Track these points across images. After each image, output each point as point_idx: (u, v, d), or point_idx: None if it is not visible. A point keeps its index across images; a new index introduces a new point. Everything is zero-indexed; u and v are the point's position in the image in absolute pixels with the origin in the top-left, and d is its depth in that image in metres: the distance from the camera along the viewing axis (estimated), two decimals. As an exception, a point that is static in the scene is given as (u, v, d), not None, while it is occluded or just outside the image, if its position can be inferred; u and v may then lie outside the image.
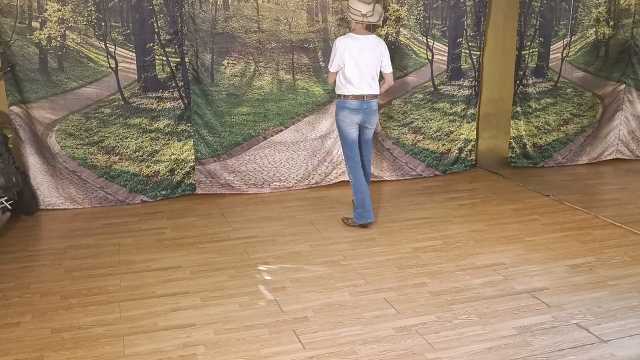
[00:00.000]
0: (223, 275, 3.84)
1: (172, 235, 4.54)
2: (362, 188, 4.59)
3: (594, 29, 6.20)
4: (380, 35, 5.64)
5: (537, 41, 6.05)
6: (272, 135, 5.53)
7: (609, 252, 4.17)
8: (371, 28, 4.51)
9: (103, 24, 4.93)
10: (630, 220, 4.77)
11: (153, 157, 5.26)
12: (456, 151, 6.19)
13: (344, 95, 4.52)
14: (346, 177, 5.79)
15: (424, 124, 6.01)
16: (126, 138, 5.16)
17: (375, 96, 4.56)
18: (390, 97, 5.83)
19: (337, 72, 4.51)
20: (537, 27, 6.03)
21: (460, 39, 5.95)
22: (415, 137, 6.02)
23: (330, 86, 5.30)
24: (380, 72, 4.60)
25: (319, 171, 5.72)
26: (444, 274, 3.82)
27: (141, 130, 5.19)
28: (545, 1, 5.98)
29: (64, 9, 4.80)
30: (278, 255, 4.17)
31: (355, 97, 4.49)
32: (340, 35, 4.90)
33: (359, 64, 4.44)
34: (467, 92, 6.08)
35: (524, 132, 6.20)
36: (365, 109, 4.52)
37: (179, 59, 5.15)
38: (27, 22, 4.77)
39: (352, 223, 4.66)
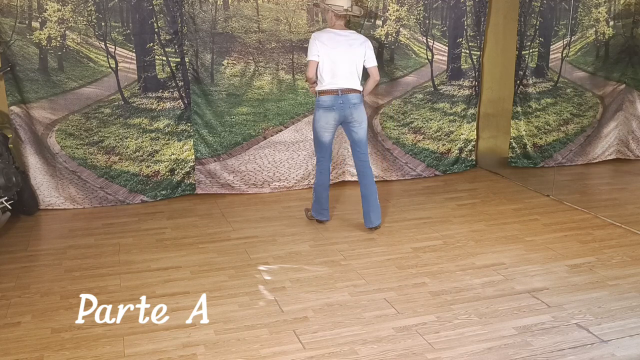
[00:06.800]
0: (223, 275, 3.84)
1: (172, 235, 4.54)
2: (323, 184, 4.53)
3: (594, 29, 6.20)
4: (380, 35, 5.65)
5: (537, 41, 6.05)
6: (272, 135, 5.53)
7: (609, 252, 4.17)
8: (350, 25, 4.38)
9: (103, 24, 4.93)
10: (630, 220, 4.77)
11: (153, 157, 5.26)
12: (456, 151, 6.18)
13: (319, 92, 4.28)
14: (347, 177, 5.80)
15: (424, 124, 6.01)
16: (126, 138, 5.16)
17: (354, 90, 4.27)
18: (390, 97, 5.83)
19: (317, 63, 4.23)
20: (537, 27, 6.03)
21: (461, 39, 5.95)
22: (415, 137, 6.02)
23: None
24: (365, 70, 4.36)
25: (319, 171, 5.72)
26: (444, 274, 3.82)
27: (141, 130, 5.18)
28: (545, 1, 5.98)
29: (64, 9, 4.80)
30: (278, 255, 4.17)
31: (329, 92, 4.23)
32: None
33: (335, 58, 4.21)
34: (467, 92, 6.08)
35: (524, 132, 6.20)
36: (341, 104, 4.23)
37: (179, 59, 5.15)
38: (27, 22, 4.77)
39: (311, 216, 4.73)
